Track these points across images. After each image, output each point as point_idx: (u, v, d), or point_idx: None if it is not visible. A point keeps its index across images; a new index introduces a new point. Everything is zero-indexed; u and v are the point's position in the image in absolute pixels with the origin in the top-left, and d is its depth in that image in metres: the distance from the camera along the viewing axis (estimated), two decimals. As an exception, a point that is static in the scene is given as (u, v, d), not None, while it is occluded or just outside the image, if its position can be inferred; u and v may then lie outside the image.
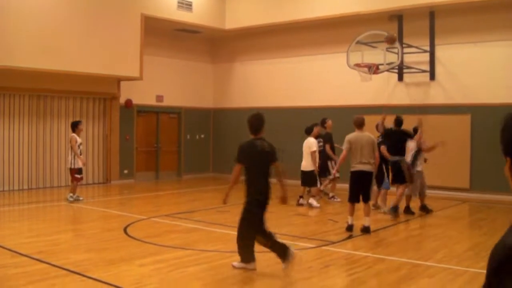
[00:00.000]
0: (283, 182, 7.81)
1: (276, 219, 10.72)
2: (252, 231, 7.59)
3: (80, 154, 14.30)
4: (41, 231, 10.56)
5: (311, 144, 13.70)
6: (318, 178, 13.85)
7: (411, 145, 12.72)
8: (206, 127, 22.31)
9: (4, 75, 15.31)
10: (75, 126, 14.40)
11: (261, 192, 7.59)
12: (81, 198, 14.47)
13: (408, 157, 12.61)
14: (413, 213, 12.48)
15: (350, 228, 10.41)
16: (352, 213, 10.43)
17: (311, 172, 13.67)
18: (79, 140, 14.33)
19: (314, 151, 13.63)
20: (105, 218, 12.68)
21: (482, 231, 11.20)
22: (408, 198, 12.60)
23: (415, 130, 12.96)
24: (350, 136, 10.58)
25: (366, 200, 10.41)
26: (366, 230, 10.30)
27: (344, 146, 10.57)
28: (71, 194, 14.23)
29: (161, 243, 9.38)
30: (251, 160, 7.69)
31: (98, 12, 16.61)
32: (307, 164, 13.72)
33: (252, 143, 7.81)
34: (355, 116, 10.87)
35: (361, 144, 10.37)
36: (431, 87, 16.95)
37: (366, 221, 10.38)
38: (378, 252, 8.88)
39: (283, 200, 7.89)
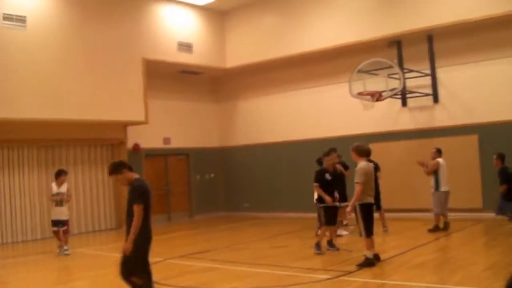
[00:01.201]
0: None
1: (292, 253, 10.68)
2: None
3: (60, 205, 13.54)
4: (56, 279, 10.60)
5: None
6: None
7: None
8: (214, 166, 22.34)
9: (11, 127, 15.50)
10: (57, 175, 13.77)
11: None
12: (65, 250, 13.54)
13: None
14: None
15: (378, 257, 10.21)
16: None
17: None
18: (55, 189, 13.61)
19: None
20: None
21: (498, 250, 11.11)
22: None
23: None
24: (365, 167, 10.01)
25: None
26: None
27: (361, 179, 9.89)
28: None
29: (178, 284, 9.36)
30: None
31: (100, 59, 16.85)
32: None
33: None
34: (360, 144, 10.36)
35: (372, 174, 10.18)
36: (435, 110, 16.99)
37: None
38: (395, 278, 8.82)
39: None
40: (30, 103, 15.21)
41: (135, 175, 7.34)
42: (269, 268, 10.45)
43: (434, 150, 13.90)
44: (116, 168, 7.34)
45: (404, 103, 17.48)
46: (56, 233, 13.71)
